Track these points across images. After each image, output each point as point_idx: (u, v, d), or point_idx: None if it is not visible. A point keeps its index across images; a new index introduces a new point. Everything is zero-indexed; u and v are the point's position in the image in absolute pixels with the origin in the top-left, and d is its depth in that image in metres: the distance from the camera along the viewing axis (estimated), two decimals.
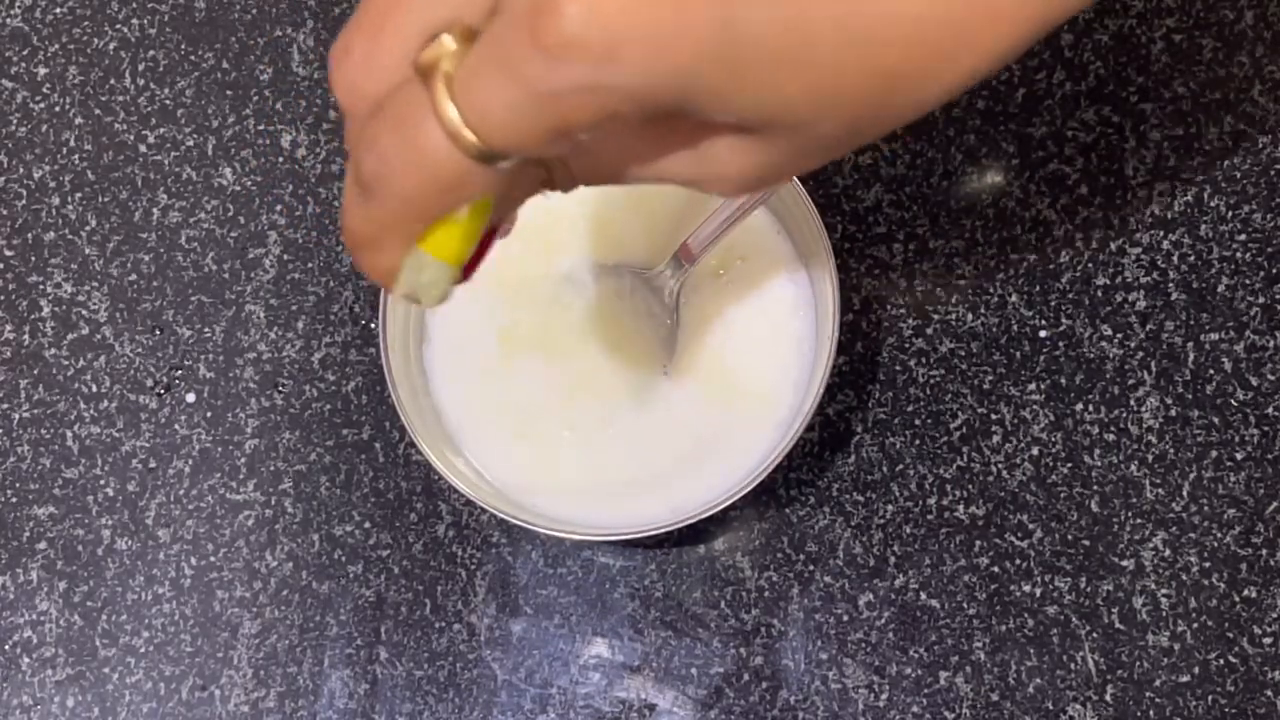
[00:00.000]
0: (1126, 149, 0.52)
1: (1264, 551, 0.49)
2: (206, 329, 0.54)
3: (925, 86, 0.24)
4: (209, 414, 0.53)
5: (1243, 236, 0.51)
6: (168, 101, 0.56)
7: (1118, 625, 0.49)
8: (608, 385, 0.48)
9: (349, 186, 0.25)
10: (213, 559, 0.52)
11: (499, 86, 0.22)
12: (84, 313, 0.54)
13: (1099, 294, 0.51)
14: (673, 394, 0.48)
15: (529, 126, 0.23)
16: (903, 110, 0.24)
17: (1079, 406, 0.50)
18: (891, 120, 0.25)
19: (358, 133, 0.25)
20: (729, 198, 0.27)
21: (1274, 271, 0.51)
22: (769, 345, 0.48)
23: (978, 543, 0.50)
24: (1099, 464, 0.50)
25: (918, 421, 0.51)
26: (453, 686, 0.50)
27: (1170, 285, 0.51)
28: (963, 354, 0.51)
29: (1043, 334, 0.51)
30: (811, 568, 0.50)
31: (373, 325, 0.53)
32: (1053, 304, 0.51)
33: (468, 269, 0.27)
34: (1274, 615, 0.48)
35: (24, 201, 0.55)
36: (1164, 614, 0.49)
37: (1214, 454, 0.50)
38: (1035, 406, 0.50)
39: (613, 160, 0.26)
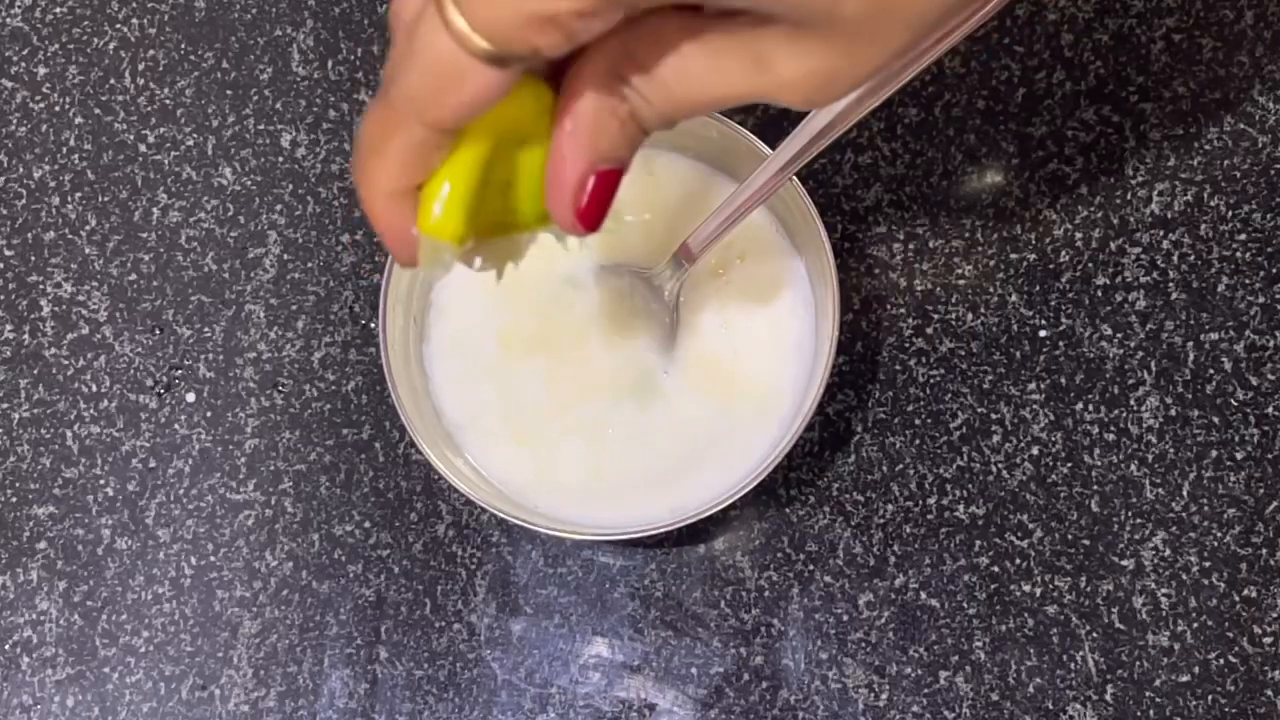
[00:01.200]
0: (1126, 149, 0.52)
1: (1264, 551, 0.49)
2: (206, 329, 0.54)
3: None
4: (209, 414, 0.53)
5: (1243, 236, 0.51)
6: (168, 101, 0.56)
7: (1118, 625, 0.49)
8: (608, 386, 0.48)
9: (372, 103, 0.28)
10: (213, 559, 0.52)
11: None
12: (84, 312, 0.54)
13: (1099, 294, 0.51)
14: (673, 394, 0.48)
15: (512, 18, 0.24)
16: None
17: (1079, 406, 0.50)
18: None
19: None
20: (802, 109, 0.28)
21: (1274, 271, 0.51)
22: (769, 345, 0.48)
23: (978, 543, 0.50)
24: (1099, 464, 0.50)
25: (918, 421, 0.51)
26: (453, 686, 0.50)
27: (1170, 285, 0.51)
28: (963, 354, 0.51)
29: (1043, 334, 0.51)
30: (811, 568, 0.50)
31: (373, 325, 0.53)
32: (1053, 304, 0.51)
33: (588, 216, 0.30)
34: (1274, 615, 0.48)
35: (24, 201, 0.55)
36: (1164, 614, 0.49)
37: (1214, 454, 0.50)
38: (1035, 406, 0.50)
39: (676, 84, 0.27)
